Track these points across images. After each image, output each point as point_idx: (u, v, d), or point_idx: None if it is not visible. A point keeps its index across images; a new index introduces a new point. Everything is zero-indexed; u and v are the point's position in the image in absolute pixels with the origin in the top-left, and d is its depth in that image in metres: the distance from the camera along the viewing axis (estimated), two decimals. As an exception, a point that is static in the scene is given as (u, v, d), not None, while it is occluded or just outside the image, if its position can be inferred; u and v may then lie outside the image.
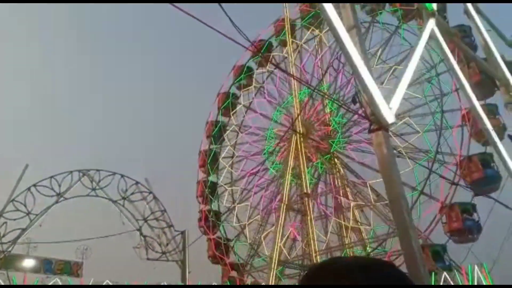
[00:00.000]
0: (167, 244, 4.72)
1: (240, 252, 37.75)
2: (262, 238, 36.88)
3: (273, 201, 37.80)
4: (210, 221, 37.33)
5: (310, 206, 36.20)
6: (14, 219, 4.40)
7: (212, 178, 39.30)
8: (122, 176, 5.06)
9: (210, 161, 39.42)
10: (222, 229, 37.96)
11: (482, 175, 25.93)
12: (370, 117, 4.53)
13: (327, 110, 37.69)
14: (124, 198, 4.84)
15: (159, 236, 4.83)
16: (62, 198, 4.66)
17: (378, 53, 33.52)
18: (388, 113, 4.52)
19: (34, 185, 4.58)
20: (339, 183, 37.35)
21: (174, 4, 5.07)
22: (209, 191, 38.50)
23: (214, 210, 38.30)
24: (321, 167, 38.26)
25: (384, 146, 4.24)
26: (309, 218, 35.30)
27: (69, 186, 4.79)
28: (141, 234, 4.74)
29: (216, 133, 39.98)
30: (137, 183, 4.99)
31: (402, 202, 3.70)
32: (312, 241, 34.32)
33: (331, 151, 36.52)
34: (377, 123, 4.42)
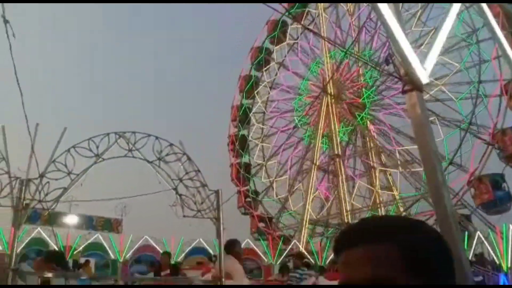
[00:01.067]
0: (202, 203, 4.90)
1: (268, 206, 38.60)
2: (289, 196, 37.38)
3: (302, 160, 38.01)
4: (241, 174, 38.04)
5: (342, 167, 36.26)
6: (56, 179, 4.66)
7: (243, 132, 39.58)
8: (157, 138, 5.23)
9: (241, 116, 39.61)
10: (252, 183, 38.65)
11: (492, 197, 25.14)
12: (404, 78, 4.45)
13: (360, 70, 36.83)
14: (159, 159, 5.00)
15: (194, 195, 5.01)
16: (100, 159, 4.86)
17: (418, 14, 32.04)
18: (423, 73, 4.41)
19: (73, 147, 4.79)
20: (370, 145, 37.03)
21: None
22: (240, 145, 38.94)
23: (244, 163, 38.86)
24: (352, 130, 37.97)
25: (418, 107, 4.15)
26: (340, 178, 35.43)
27: (107, 148, 4.99)
28: (176, 193, 4.95)
29: (249, 88, 39.67)
30: (171, 144, 5.13)
31: (435, 162, 3.64)
32: (342, 201, 34.60)
33: (362, 115, 36.02)
34: (411, 84, 4.33)
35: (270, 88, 40.59)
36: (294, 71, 39.58)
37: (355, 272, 0.88)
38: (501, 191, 25.46)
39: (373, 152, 37.01)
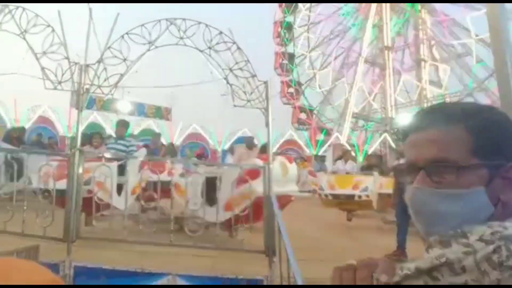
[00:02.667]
0: (251, 93, 4.98)
1: (311, 98, 38.54)
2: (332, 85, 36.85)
3: (348, 51, 36.73)
4: (284, 63, 37.59)
5: (390, 59, 34.96)
6: (113, 65, 4.84)
7: (289, 19, 38.17)
8: (207, 25, 5.17)
9: (284, 30, 37.89)
10: (295, 73, 38.21)
11: None
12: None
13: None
14: (209, 48, 5.00)
15: (243, 85, 5.07)
16: (153, 46, 4.94)
17: None
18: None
19: (127, 33, 4.86)
20: (425, 34, 34.91)
21: None
22: (285, 32, 37.73)
23: (289, 53, 37.91)
24: (404, 20, 35.71)
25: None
26: (387, 72, 34.39)
27: (158, 35, 5.02)
28: (227, 82, 5.02)
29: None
30: (220, 32, 5.08)
31: (506, 51, 3.36)
32: (388, 95, 33.95)
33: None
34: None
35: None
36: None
37: (419, 153, 0.92)
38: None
39: (424, 45, 35.18)
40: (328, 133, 35.03)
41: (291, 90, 37.66)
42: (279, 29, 37.84)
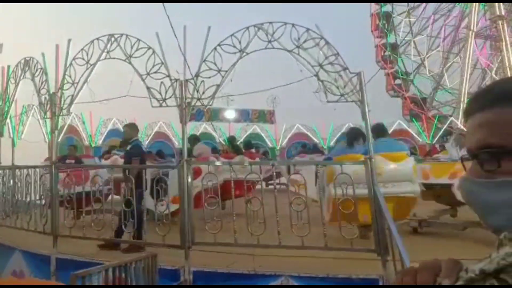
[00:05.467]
0: (345, 86, 4.84)
1: (420, 85, 36.16)
2: (444, 70, 34.22)
3: (457, 28, 33.87)
4: (387, 55, 35.66)
5: (506, 29, 31.57)
6: (209, 77, 5.12)
7: (385, 8, 36.14)
8: (293, 25, 5.18)
9: (383, 21, 36.03)
10: (400, 63, 36.10)
11: None
12: None
13: None
14: (298, 47, 5.00)
15: (335, 80, 4.97)
16: (244, 54, 5.10)
17: None
18: None
19: (219, 45, 5.10)
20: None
21: None
22: (383, 23, 35.88)
23: (390, 43, 36.06)
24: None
25: None
26: (503, 43, 31.09)
27: (248, 42, 5.17)
28: (318, 79, 4.97)
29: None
30: (307, 29, 5.04)
31: None
32: (507, 69, 30.73)
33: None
34: None
35: None
36: None
37: (472, 140, 0.79)
38: None
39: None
40: (443, 119, 32.66)
41: (398, 81, 35.72)
42: (377, 21, 36.06)
